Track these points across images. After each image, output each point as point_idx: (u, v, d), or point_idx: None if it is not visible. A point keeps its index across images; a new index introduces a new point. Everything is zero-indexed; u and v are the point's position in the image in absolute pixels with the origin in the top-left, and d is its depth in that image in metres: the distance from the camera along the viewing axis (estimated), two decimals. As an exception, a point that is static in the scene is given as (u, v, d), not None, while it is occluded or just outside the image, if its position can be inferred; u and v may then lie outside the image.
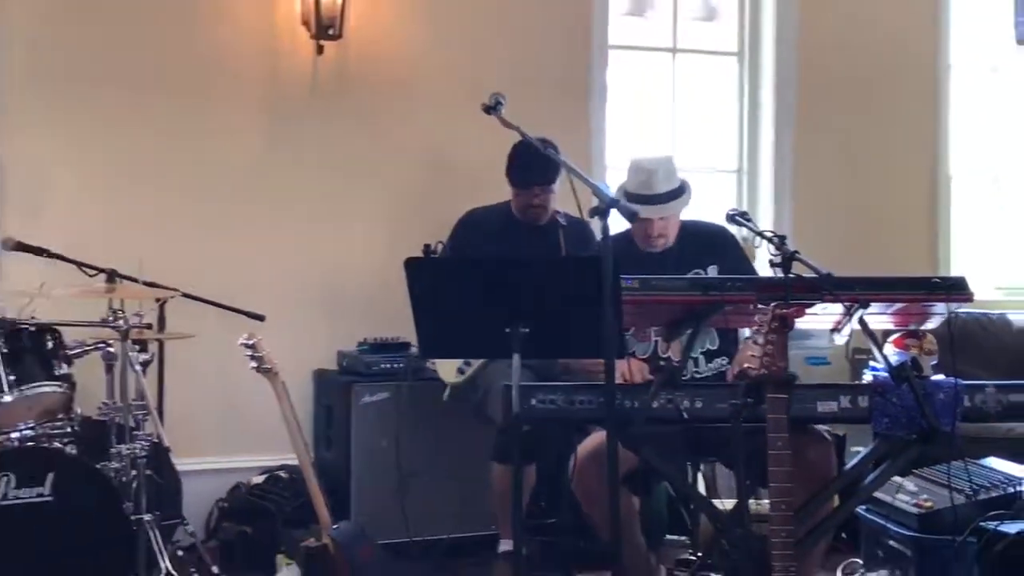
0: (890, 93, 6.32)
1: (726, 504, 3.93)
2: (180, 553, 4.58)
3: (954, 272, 6.08)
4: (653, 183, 3.97)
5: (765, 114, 6.23)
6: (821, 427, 3.75)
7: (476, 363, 4.66)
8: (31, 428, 3.95)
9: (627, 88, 6.13)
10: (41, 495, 3.68)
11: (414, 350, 4.80)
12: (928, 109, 6.43)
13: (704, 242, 4.09)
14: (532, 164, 4.46)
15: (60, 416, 4.03)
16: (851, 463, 3.71)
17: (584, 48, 5.83)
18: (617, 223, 3.24)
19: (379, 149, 5.52)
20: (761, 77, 6.25)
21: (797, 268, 3.40)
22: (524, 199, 4.77)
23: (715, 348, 4.04)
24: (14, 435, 3.89)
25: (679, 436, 3.65)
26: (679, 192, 4.03)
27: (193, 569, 4.46)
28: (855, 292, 3.30)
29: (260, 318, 4.68)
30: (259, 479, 5.05)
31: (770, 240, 3.40)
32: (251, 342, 3.83)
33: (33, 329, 4.03)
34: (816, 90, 6.17)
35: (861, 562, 4.20)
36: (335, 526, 3.80)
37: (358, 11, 5.43)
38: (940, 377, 3.47)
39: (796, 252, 3.29)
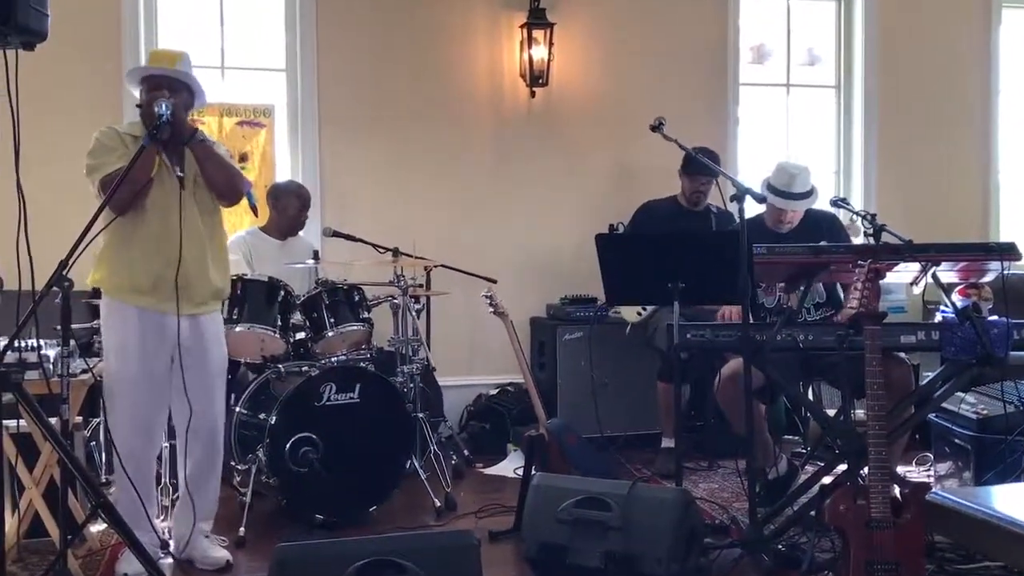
0: (950, 108, 5.98)
1: (830, 412, 3.84)
2: (443, 440, 4.71)
3: (1003, 239, 5.73)
4: (794, 184, 3.89)
5: (856, 127, 5.98)
6: (902, 355, 3.61)
7: (649, 309, 4.65)
8: (344, 354, 4.04)
9: (751, 116, 5.98)
10: (351, 399, 3.75)
11: (600, 303, 4.83)
12: (981, 121, 6.05)
13: (817, 225, 3.97)
14: (701, 162, 4.42)
15: (364, 346, 4.14)
16: (925, 381, 3.56)
17: (722, 85, 5.71)
18: (751, 210, 3.19)
19: (576, 161, 5.52)
20: (853, 105, 6.00)
21: (885, 238, 3.29)
22: (693, 185, 4.70)
23: (823, 301, 3.93)
24: (334, 358, 3.99)
25: (796, 361, 3.61)
26: (810, 194, 3.94)
27: (451, 452, 4.58)
28: (929, 254, 3.15)
29: (493, 281, 4.77)
30: (494, 391, 5.15)
31: (864, 217, 3.32)
32: (490, 294, 3.91)
33: (346, 287, 4.12)
34: (893, 108, 5.91)
35: (931, 456, 4.04)
36: (548, 421, 3.86)
37: (560, 65, 5.44)
38: (995, 317, 3.30)
39: (884, 225, 3.18)
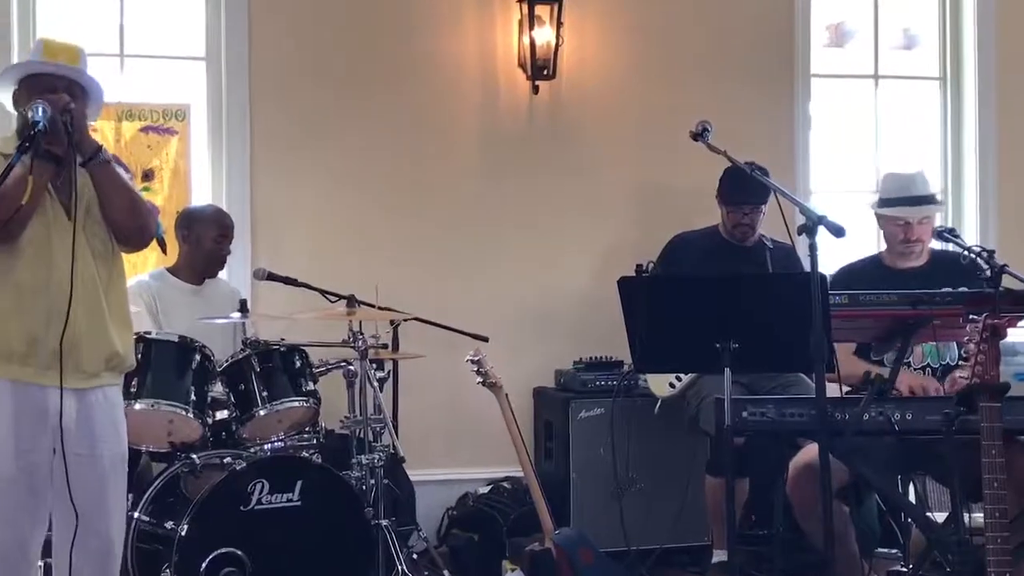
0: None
1: (937, 518, 3.80)
2: (415, 557, 4.63)
3: None
4: (913, 187, 3.98)
5: (968, 136, 6.00)
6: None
7: (686, 378, 4.64)
8: (281, 440, 4.06)
9: (830, 116, 6.00)
10: (291, 500, 3.74)
11: (627, 367, 4.81)
12: None
13: (952, 268, 3.90)
14: (744, 184, 4.44)
15: (307, 428, 4.13)
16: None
17: (788, 77, 5.75)
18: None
19: (591, 179, 5.54)
20: (963, 101, 6.03)
21: (1006, 283, 3.29)
22: (734, 217, 4.75)
23: (953, 364, 3.92)
24: (267, 446, 4.00)
25: (890, 449, 3.58)
26: (935, 199, 4.06)
27: (427, 572, 4.52)
28: (1061, 302, 3.15)
29: (484, 339, 4.73)
30: (485, 489, 5.12)
31: (979, 255, 3.32)
32: (477, 358, 3.90)
33: (283, 350, 4.11)
34: (1018, 108, 5.93)
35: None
36: (556, 531, 3.81)
37: (570, 52, 5.48)
38: None
39: (1005, 265, 3.18)
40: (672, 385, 4.69)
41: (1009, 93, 5.95)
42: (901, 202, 3.96)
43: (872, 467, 3.38)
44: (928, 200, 4.00)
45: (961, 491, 3.24)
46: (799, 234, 3.19)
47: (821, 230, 3.12)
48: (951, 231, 3.68)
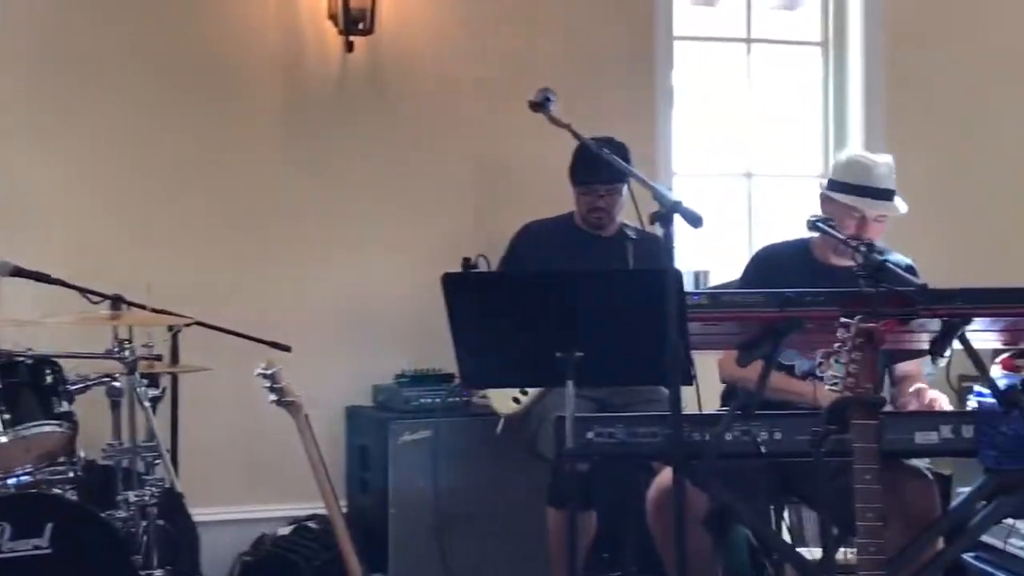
0: (1002, 80, 6.25)
1: (814, 553, 3.88)
2: (199, 613, 4.61)
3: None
4: (876, 176, 3.99)
5: (853, 108, 6.19)
6: (921, 463, 3.69)
7: (533, 392, 4.67)
8: (28, 473, 3.95)
9: (696, 84, 6.12)
10: (39, 547, 3.65)
11: (457, 382, 4.81)
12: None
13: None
14: (599, 161, 4.47)
15: (61, 459, 4.03)
16: (956, 502, 3.65)
17: (647, 40, 5.82)
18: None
19: (418, 157, 5.53)
20: (848, 69, 6.22)
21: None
22: (588, 200, 4.79)
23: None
24: (10, 481, 3.90)
25: (759, 474, 3.64)
26: (893, 195, 4.03)
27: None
28: (955, 305, 3.23)
29: (286, 349, 4.66)
30: (286, 530, 5.06)
31: (856, 248, 3.37)
32: (269, 371, 3.82)
33: (30, 362, 4.02)
34: (911, 82, 6.13)
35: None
36: (369, 578, 3.79)
37: (391, 2, 5.46)
38: (1060, 402, 3.41)
39: (885, 260, 3.25)
40: (516, 400, 4.71)
41: (898, 61, 6.14)
42: (860, 191, 3.96)
43: (738, 494, 3.42)
44: (890, 195, 4.00)
45: (840, 522, 3.31)
46: (651, 223, 3.23)
47: (677, 219, 3.16)
48: (826, 220, 3.72)
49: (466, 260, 4.97)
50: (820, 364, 3.15)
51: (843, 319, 2.83)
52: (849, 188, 3.98)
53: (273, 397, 3.82)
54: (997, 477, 3.35)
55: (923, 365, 3.97)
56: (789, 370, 3.95)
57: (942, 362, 3.43)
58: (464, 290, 3.40)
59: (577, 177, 4.82)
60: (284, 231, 5.39)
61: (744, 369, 3.60)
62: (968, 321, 3.25)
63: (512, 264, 4.93)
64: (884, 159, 4.06)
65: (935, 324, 3.28)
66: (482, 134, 5.58)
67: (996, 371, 3.46)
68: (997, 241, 6.14)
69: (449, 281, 3.35)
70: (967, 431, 3.32)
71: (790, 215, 5.97)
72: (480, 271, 4.88)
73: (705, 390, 3.57)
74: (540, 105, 3.47)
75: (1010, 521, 3.80)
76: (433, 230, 5.50)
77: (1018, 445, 3.26)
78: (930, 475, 3.72)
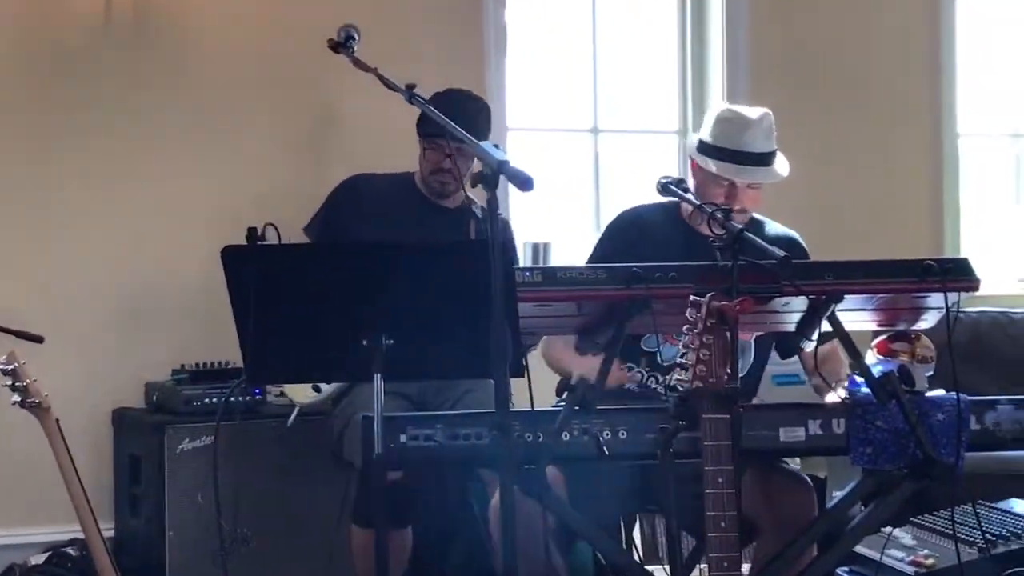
0: (875, 41, 6.48)
1: (667, 569, 3.93)
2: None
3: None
4: (750, 138, 3.97)
5: (713, 57, 6.31)
6: (791, 463, 3.77)
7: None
8: None
9: (534, 27, 6.17)
10: None
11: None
12: (927, 62, 6.59)
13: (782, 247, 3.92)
14: (452, 107, 4.44)
15: None
16: (829, 506, 3.73)
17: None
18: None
19: (199, 110, 5.49)
20: (708, 13, 6.35)
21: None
22: (433, 158, 4.73)
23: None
24: None
25: (606, 478, 3.65)
26: (775, 157, 4.03)
27: None
28: (824, 281, 3.31)
29: (37, 339, 4.56)
30: (39, 559, 4.99)
31: (712, 215, 3.39)
32: (10, 366, 3.74)
33: None
34: (777, 32, 6.31)
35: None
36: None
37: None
38: (939, 392, 3.51)
39: (744, 230, 3.29)
40: (317, 388, 4.69)
41: (762, 5, 6.29)
42: (729, 155, 3.97)
43: (589, 502, 3.45)
44: (765, 160, 4.02)
45: (693, 534, 3.36)
46: (473, 185, 3.23)
47: (503, 181, 3.15)
48: (679, 183, 3.75)
49: (251, 230, 4.89)
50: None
51: (693, 297, 2.86)
52: (717, 152, 3.99)
53: (16, 398, 3.74)
54: (873, 478, 3.44)
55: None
56: (651, 357, 3.99)
57: (810, 346, 3.51)
58: (248, 266, 3.39)
59: (422, 127, 4.73)
60: (33, 202, 5.31)
61: (562, 353, 3.64)
62: (839, 299, 3.33)
63: (322, 228, 4.89)
64: (759, 115, 4.05)
65: (801, 303, 3.36)
66: (282, 83, 5.56)
67: (871, 357, 3.52)
68: (870, 218, 6.34)
69: (229, 256, 3.35)
70: (838, 426, 3.39)
71: (644, 178, 6.03)
72: (268, 243, 4.82)
73: (540, 383, 3.57)
74: (342, 45, 3.48)
75: (888, 529, 3.89)
76: (222, 195, 5.46)
77: (894, 442, 3.34)
78: (803, 475, 3.81)
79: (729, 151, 3.98)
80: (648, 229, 4.12)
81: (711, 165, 3.99)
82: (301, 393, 4.72)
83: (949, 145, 6.66)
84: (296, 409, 4.74)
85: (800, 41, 6.30)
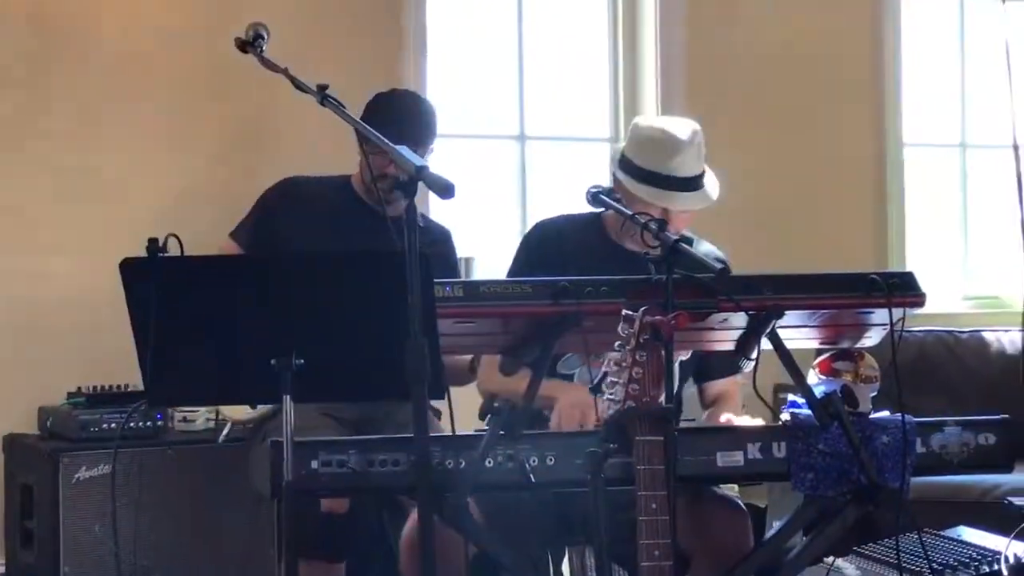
0: (818, 47, 6.54)
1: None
2: None
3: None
4: (680, 163, 3.90)
5: (647, 56, 6.34)
6: (729, 490, 3.76)
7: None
8: None
9: (457, 28, 6.19)
10: None
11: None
12: (870, 68, 6.67)
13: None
14: (399, 118, 4.42)
15: None
16: (768, 535, 3.73)
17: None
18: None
19: (96, 116, 5.48)
20: (641, 10, 6.37)
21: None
22: (379, 163, 4.67)
23: None
24: None
25: (533, 507, 3.63)
26: (704, 177, 3.98)
27: None
28: (763, 295, 3.31)
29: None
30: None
31: (644, 226, 3.37)
32: None
33: None
34: (715, 37, 6.36)
35: None
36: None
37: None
38: (884, 414, 3.52)
39: (678, 241, 3.28)
40: (252, 404, 4.63)
41: (699, 8, 6.35)
42: (656, 180, 3.90)
43: (514, 533, 3.43)
44: (696, 184, 3.94)
45: (624, 565, 3.35)
46: (390, 191, 3.22)
47: (422, 188, 3.15)
48: (609, 192, 3.73)
49: (152, 241, 4.85)
50: (606, 375, 3.21)
51: (626, 312, 2.84)
52: (644, 176, 3.92)
53: None
54: (814, 504, 3.43)
55: (740, 386, 4.04)
56: (567, 380, 3.97)
57: (748, 366, 3.50)
58: (148, 280, 3.37)
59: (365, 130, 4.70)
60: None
61: (509, 378, 3.61)
62: (779, 315, 3.32)
63: (252, 234, 4.83)
64: (688, 132, 3.96)
65: (741, 319, 3.35)
66: (210, 85, 5.57)
67: (812, 376, 3.52)
68: (809, 229, 6.40)
69: (128, 269, 3.33)
70: (778, 450, 3.38)
71: (573, 188, 6.02)
72: (169, 255, 4.78)
73: (463, 405, 3.56)
74: (250, 44, 3.47)
75: (830, 559, 3.89)
76: (133, 208, 5.43)
77: (837, 466, 3.33)
78: (741, 504, 3.80)
79: (659, 176, 3.91)
80: (568, 243, 4.08)
81: (640, 191, 3.91)
82: (236, 408, 4.69)
83: (893, 154, 6.72)
84: (228, 425, 4.74)
85: (740, 46, 6.35)
